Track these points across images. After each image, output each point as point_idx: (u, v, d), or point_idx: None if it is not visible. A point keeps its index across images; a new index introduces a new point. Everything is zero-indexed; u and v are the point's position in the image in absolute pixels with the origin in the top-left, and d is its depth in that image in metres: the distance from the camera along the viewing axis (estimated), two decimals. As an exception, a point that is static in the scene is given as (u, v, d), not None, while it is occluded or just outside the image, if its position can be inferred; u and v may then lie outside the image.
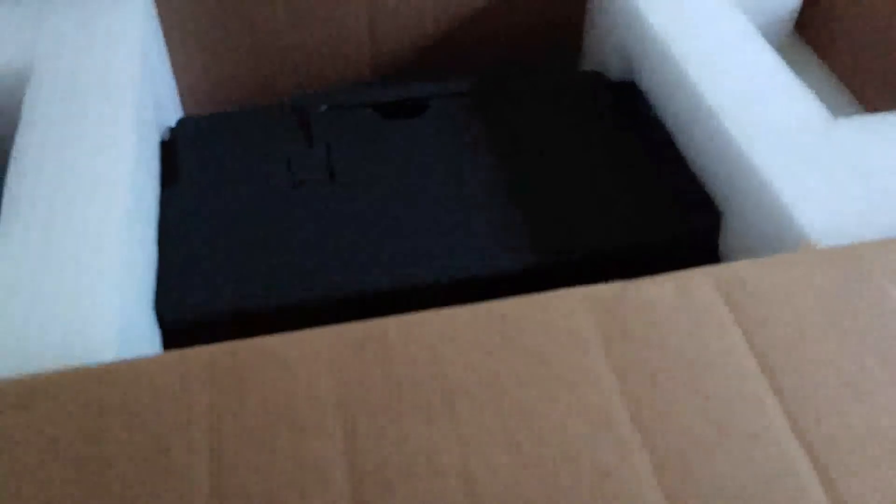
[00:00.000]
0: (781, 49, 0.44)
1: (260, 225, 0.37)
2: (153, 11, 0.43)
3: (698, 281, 0.27)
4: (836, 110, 0.42)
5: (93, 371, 0.24)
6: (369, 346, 0.25)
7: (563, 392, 0.24)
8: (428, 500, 0.22)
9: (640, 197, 0.37)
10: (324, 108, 0.42)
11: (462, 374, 0.24)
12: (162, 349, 0.33)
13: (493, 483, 0.22)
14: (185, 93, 0.47)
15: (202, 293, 0.34)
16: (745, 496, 0.22)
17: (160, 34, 0.44)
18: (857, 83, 0.45)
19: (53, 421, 0.23)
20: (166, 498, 0.21)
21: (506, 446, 0.23)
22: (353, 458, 0.22)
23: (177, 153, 0.40)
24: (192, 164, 0.40)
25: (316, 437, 0.23)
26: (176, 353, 0.25)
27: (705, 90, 0.36)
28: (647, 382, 0.24)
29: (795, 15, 0.44)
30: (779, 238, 0.31)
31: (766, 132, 0.34)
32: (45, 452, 0.22)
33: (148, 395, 0.23)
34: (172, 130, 0.42)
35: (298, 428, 0.23)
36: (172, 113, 0.45)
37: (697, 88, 0.36)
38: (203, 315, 0.33)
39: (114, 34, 0.39)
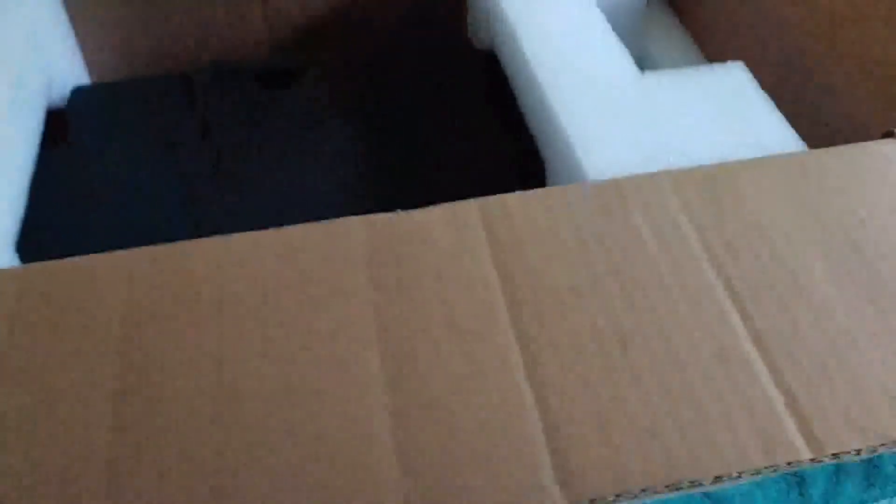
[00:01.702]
0: (643, 11, 0.47)
1: (131, 177, 0.40)
2: (54, -11, 0.47)
3: (467, 208, 0.30)
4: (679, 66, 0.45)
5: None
6: (167, 264, 0.29)
7: (322, 302, 0.27)
8: (183, 385, 0.25)
9: (482, 149, 0.41)
10: (206, 76, 0.46)
11: (235, 285, 0.28)
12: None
13: (241, 373, 0.25)
14: (92, 65, 0.51)
15: (61, 238, 0.37)
16: (463, 387, 0.25)
17: (61, 10, 0.48)
18: (706, 40, 0.48)
19: None
20: None
21: (258, 343, 0.26)
22: (125, 353, 0.26)
23: (66, 119, 0.44)
24: (79, 129, 0.43)
25: (94, 338, 0.26)
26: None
27: (529, 52, 0.39)
28: (396, 292, 0.27)
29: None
30: (570, 179, 0.34)
31: (573, 86, 0.37)
32: None
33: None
34: (69, 96, 0.46)
35: (85, 330, 0.27)
36: (74, 82, 0.48)
37: (530, 61, 0.39)
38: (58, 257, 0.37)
39: (5, 5, 0.43)
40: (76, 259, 0.29)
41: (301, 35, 0.52)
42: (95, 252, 0.37)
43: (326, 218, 0.38)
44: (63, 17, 0.48)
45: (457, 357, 0.26)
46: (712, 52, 0.48)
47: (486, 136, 0.42)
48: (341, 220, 0.30)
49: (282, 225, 0.37)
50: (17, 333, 0.27)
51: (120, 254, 0.29)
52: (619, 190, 0.31)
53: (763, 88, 0.37)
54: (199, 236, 0.37)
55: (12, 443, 0.24)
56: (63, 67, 0.47)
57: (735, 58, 0.45)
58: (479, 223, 0.30)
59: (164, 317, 0.27)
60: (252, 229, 0.37)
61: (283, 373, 0.25)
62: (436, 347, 0.26)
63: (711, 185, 0.31)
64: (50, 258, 0.37)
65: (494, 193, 0.38)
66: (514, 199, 0.31)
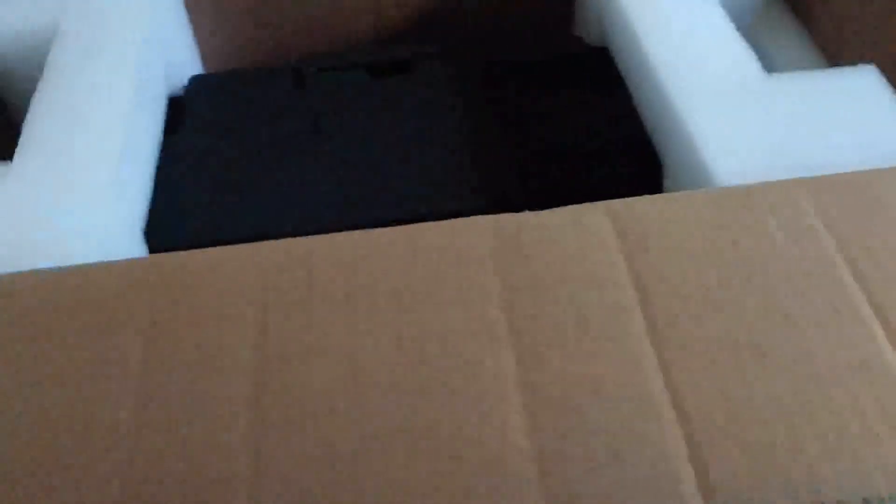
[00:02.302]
0: (760, 10, 0.46)
1: (248, 169, 0.41)
2: (173, -20, 0.48)
3: (593, 211, 0.30)
4: (799, 68, 0.44)
5: (39, 276, 0.29)
6: (297, 258, 0.29)
7: (453, 301, 0.27)
8: (319, 377, 0.26)
9: (597, 148, 0.40)
10: (315, 69, 0.46)
11: (367, 280, 0.28)
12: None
13: (375, 368, 0.26)
14: (207, 55, 0.52)
15: (187, 224, 0.38)
16: (599, 389, 0.25)
17: (179, 2, 0.49)
18: (827, 41, 0.46)
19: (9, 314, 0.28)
20: (98, 389, 0.26)
21: (390, 340, 0.26)
22: (264, 342, 0.27)
23: (184, 108, 0.45)
24: (196, 116, 0.44)
25: (232, 330, 0.27)
26: (126, 261, 0.29)
27: (650, 51, 0.38)
28: (527, 294, 0.27)
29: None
30: (695, 184, 0.34)
31: (697, 86, 0.36)
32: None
33: (90, 298, 0.28)
34: (186, 85, 0.47)
35: (221, 320, 0.27)
36: (190, 69, 0.50)
37: (649, 57, 0.39)
38: (186, 243, 0.38)
39: (126, 2, 0.44)
40: (208, 251, 0.30)
41: (408, 27, 0.52)
42: (217, 238, 0.38)
43: (443, 209, 0.38)
44: (181, 8, 0.49)
45: (591, 359, 0.26)
46: (833, 52, 0.46)
47: (600, 132, 0.41)
48: (468, 219, 0.30)
49: (399, 217, 0.38)
50: (157, 323, 0.27)
51: (250, 247, 0.30)
52: (752, 196, 0.30)
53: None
54: (313, 226, 0.38)
55: (160, 423, 0.25)
56: (181, 57, 0.48)
57: (856, 60, 0.44)
58: (607, 226, 0.30)
59: (296, 310, 0.27)
60: (366, 221, 0.38)
61: (417, 370, 0.26)
62: (569, 349, 0.26)
63: (848, 192, 0.30)
64: (175, 245, 0.38)
65: (611, 191, 0.38)
66: (643, 202, 0.30)
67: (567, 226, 0.30)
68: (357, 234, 0.30)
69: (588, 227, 0.30)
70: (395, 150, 0.41)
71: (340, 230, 0.38)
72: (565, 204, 0.38)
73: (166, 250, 0.38)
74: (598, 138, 0.41)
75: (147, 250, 0.37)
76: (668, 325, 0.26)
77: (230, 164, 0.41)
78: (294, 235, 0.38)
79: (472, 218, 0.30)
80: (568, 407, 0.25)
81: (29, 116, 0.38)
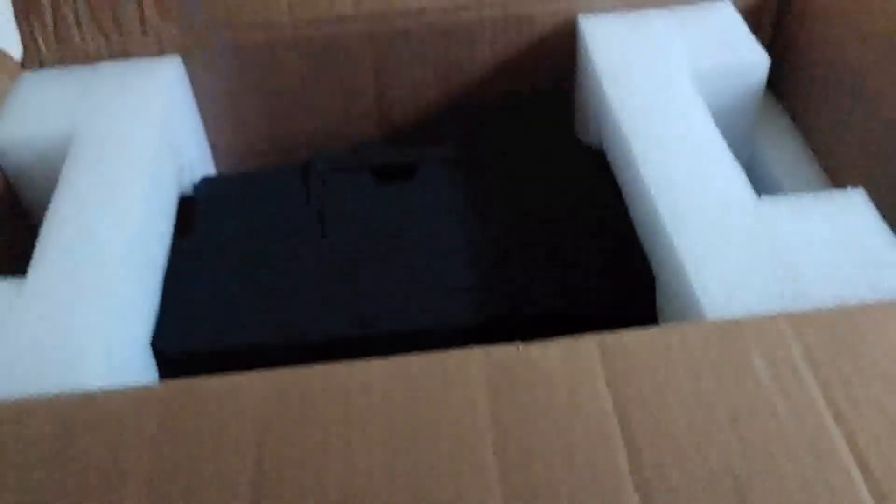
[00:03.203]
0: (758, 113, 0.47)
1: (256, 273, 0.42)
2: (186, 80, 0.50)
3: (585, 347, 0.31)
4: (794, 181, 0.45)
5: (62, 401, 0.30)
6: (293, 393, 0.30)
7: (445, 436, 0.28)
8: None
9: (590, 260, 0.41)
10: (321, 171, 0.48)
11: (363, 417, 0.29)
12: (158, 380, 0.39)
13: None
14: (220, 151, 0.53)
15: (194, 331, 0.40)
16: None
17: (192, 100, 0.51)
18: (821, 144, 0.47)
19: (22, 450, 0.29)
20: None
21: (385, 475, 0.27)
22: (260, 482, 0.28)
23: (194, 208, 0.46)
24: (205, 219, 0.46)
25: (226, 485, 0.28)
26: (135, 391, 0.31)
27: (646, 170, 0.40)
28: (519, 432, 0.28)
29: (763, 84, 0.47)
30: (684, 308, 0.35)
31: (688, 208, 0.37)
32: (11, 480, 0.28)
33: (99, 434, 0.29)
34: (196, 187, 0.48)
35: (219, 469, 0.28)
36: (202, 170, 0.51)
37: (639, 166, 0.40)
38: (193, 352, 0.39)
39: (142, 99, 0.46)
40: (210, 380, 0.31)
41: (415, 128, 0.54)
42: (224, 347, 0.39)
43: (445, 322, 0.39)
44: (194, 109, 0.51)
45: (577, 500, 0.26)
46: (826, 155, 0.47)
47: (594, 237, 0.42)
48: (461, 352, 0.31)
49: (402, 330, 0.39)
50: (161, 457, 0.28)
51: (249, 377, 0.31)
52: (739, 331, 0.31)
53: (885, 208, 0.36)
54: (318, 336, 0.39)
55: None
56: (193, 156, 0.50)
57: (852, 165, 0.45)
58: (597, 361, 0.30)
59: (292, 444, 0.28)
60: (370, 332, 0.39)
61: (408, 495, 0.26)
62: (557, 488, 0.27)
63: (833, 330, 0.31)
64: (182, 353, 0.39)
65: (607, 304, 0.39)
66: (633, 337, 0.31)
67: (557, 359, 0.31)
68: (354, 366, 0.31)
69: (578, 360, 0.30)
70: (398, 259, 0.42)
71: (345, 339, 0.40)
72: (556, 316, 0.40)
73: (174, 359, 0.39)
74: (596, 250, 0.42)
75: (154, 359, 0.39)
76: (653, 467, 0.27)
77: (238, 270, 0.42)
78: (300, 344, 0.39)
79: (465, 351, 0.31)
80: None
81: (44, 229, 0.39)
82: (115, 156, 0.42)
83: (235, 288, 0.42)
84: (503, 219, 0.44)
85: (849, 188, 0.38)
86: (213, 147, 0.53)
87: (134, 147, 0.43)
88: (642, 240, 0.41)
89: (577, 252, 0.42)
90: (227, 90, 0.51)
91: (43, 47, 0.49)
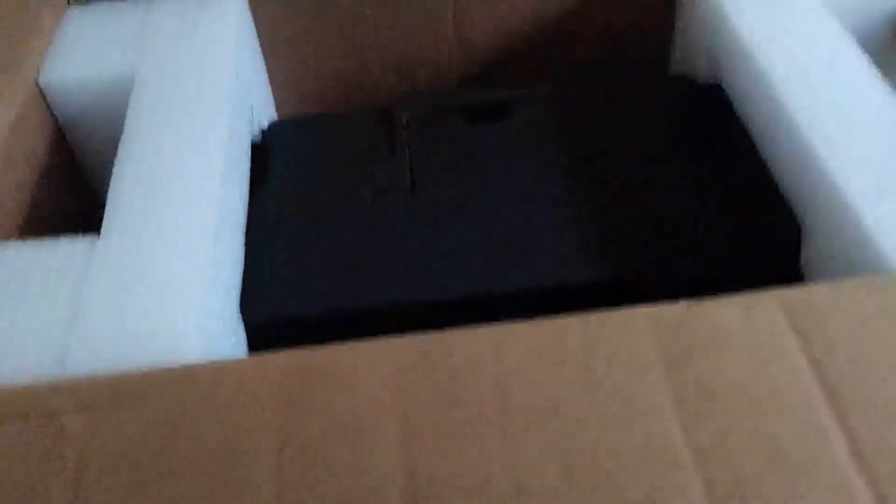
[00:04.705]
0: (880, 55, 0.42)
1: (342, 231, 0.38)
2: (248, 16, 0.45)
3: (766, 304, 0.27)
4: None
5: (172, 375, 0.26)
6: (431, 360, 0.26)
7: (620, 415, 0.24)
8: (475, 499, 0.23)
9: (721, 209, 0.37)
10: (407, 114, 0.43)
11: (519, 391, 0.25)
12: (247, 348, 0.34)
13: (540, 499, 0.23)
14: (279, 93, 0.49)
15: (284, 297, 0.35)
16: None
17: (255, 37, 0.46)
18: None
19: (132, 426, 0.25)
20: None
21: (558, 465, 0.23)
22: (411, 472, 0.23)
23: (266, 157, 0.42)
24: (280, 169, 0.41)
25: (374, 451, 0.24)
26: (248, 361, 0.26)
27: (789, 100, 0.35)
28: (705, 409, 0.24)
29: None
30: (859, 262, 0.30)
31: (853, 149, 0.33)
32: (124, 457, 0.24)
33: (219, 405, 0.25)
34: (263, 133, 0.44)
35: (359, 441, 0.24)
36: (265, 114, 0.47)
37: (781, 98, 0.35)
38: (283, 319, 0.35)
39: (210, 38, 0.41)
40: (335, 348, 0.27)
41: (494, 66, 0.49)
42: (315, 312, 0.35)
43: (555, 281, 0.35)
44: (257, 47, 0.46)
45: (790, 497, 0.22)
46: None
47: (719, 181, 0.38)
48: (622, 313, 0.27)
49: (510, 290, 0.35)
50: (288, 437, 0.24)
51: (381, 344, 0.27)
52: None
53: None
54: (415, 298, 0.35)
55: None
56: (258, 100, 0.45)
57: None
58: (782, 320, 0.26)
59: (441, 425, 0.24)
60: (475, 292, 0.35)
61: (588, 498, 0.23)
62: (763, 480, 0.23)
63: None
64: (271, 320, 0.35)
65: (738, 251, 0.35)
66: (820, 293, 0.27)
67: (735, 321, 0.26)
68: (495, 329, 0.27)
69: (759, 320, 0.26)
70: (500, 210, 0.38)
71: (446, 303, 0.35)
72: (690, 276, 0.35)
73: (263, 326, 0.35)
74: (726, 197, 0.37)
75: (243, 325, 0.35)
76: (876, 448, 0.23)
77: (321, 226, 0.38)
78: (394, 308, 0.35)
79: (626, 311, 0.27)
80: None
81: (114, 181, 0.35)
82: (188, 100, 0.38)
83: (320, 247, 0.37)
84: (613, 164, 0.40)
85: None
86: (275, 89, 0.48)
87: (208, 89, 0.38)
88: (784, 185, 0.36)
89: (703, 201, 0.37)
90: (292, 25, 0.46)
91: (89, -20, 0.44)
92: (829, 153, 0.33)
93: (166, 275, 0.31)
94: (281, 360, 0.26)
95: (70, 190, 0.43)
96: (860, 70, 0.36)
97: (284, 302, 0.35)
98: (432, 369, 0.26)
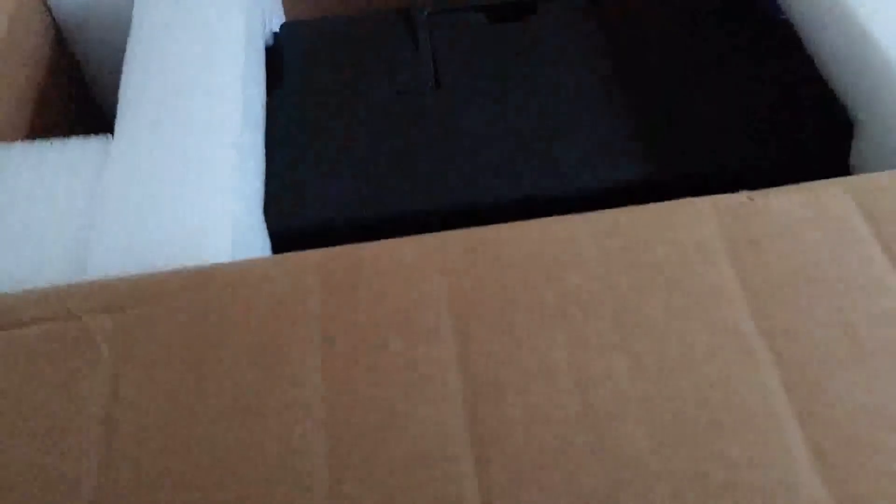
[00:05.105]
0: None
1: (365, 134, 0.36)
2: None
3: (832, 192, 0.25)
4: None
5: (207, 273, 0.24)
6: (482, 251, 0.25)
7: (686, 302, 0.23)
8: (541, 403, 0.21)
9: (764, 105, 0.35)
10: (427, 11, 0.41)
11: (577, 280, 0.24)
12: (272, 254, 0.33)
13: (606, 389, 0.21)
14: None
15: (308, 203, 0.34)
16: (883, 416, 0.21)
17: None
18: None
19: (169, 323, 0.23)
20: (277, 405, 0.21)
21: (622, 353, 0.22)
22: (466, 362, 0.22)
23: (281, 59, 0.40)
24: (296, 70, 0.39)
25: (428, 342, 0.23)
26: (288, 256, 0.25)
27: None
28: (776, 296, 0.23)
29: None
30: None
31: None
32: (163, 352, 0.23)
33: (260, 298, 0.24)
34: (276, 35, 0.41)
35: (411, 332, 0.23)
36: (275, 16, 0.44)
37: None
38: (308, 225, 0.33)
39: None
40: (378, 245, 0.25)
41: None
42: (344, 219, 0.33)
43: (597, 181, 0.33)
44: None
45: (873, 384, 0.21)
46: None
47: (760, 75, 0.36)
48: (679, 202, 0.25)
49: (546, 192, 0.33)
50: (334, 336, 0.23)
51: (429, 237, 0.25)
52: None
53: None
54: (447, 203, 0.33)
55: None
56: (269, 3, 0.43)
57: None
58: (852, 209, 0.25)
59: (499, 321, 0.23)
60: (509, 196, 0.33)
61: (670, 402, 0.21)
62: (845, 373, 0.21)
63: None
64: (297, 227, 0.33)
65: (786, 148, 0.33)
66: (889, 179, 0.26)
67: (803, 209, 0.25)
68: (544, 222, 0.25)
69: (829, 210, 0.25)
70: (529, 110, 0.36)
71: (479, 209, 0.34)
72: (736, 173, 0.34)
73: (288, 233, 0.33)
74: (772, 94, 0.35)
75: (269, 234, 0.33)
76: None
77: (344, 130, 0.36)
78: (427, 213, 0.34)
79: (685, 200, 0.26)
80: (861, 443, 0.20)
81: (125, 78, 0.33)
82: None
83: (343, 153, 0.35)
84: (646, 61, 0.38)
85: None
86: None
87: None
88: (840, 80, 0.34)
89: (748, 98, 0.35)
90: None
91: None
92: (886, 47, 0.31)
93: (188, 176, 0.29)
94: (320, 255, 0.25)
95: (75, 92, 0.41)
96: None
97: (308, 209, 0.34)
98: (484, 261, 0.24)
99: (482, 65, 0.38)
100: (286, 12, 0.47)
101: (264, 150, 0.35)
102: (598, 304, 0.23)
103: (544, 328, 0.23)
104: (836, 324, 0.22)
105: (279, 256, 0.25)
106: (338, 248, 0.25)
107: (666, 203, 0.26)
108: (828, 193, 0.25)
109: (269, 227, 0.33)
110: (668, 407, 0.21)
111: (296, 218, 0.33)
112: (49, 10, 0.39)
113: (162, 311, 0.23)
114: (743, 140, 0.34)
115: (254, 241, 0.31)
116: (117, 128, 0.31)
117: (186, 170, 0.29)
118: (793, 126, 0.34)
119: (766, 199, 0.25)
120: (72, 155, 0.30)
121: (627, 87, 0.36)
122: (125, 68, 0.33)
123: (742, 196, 0.25)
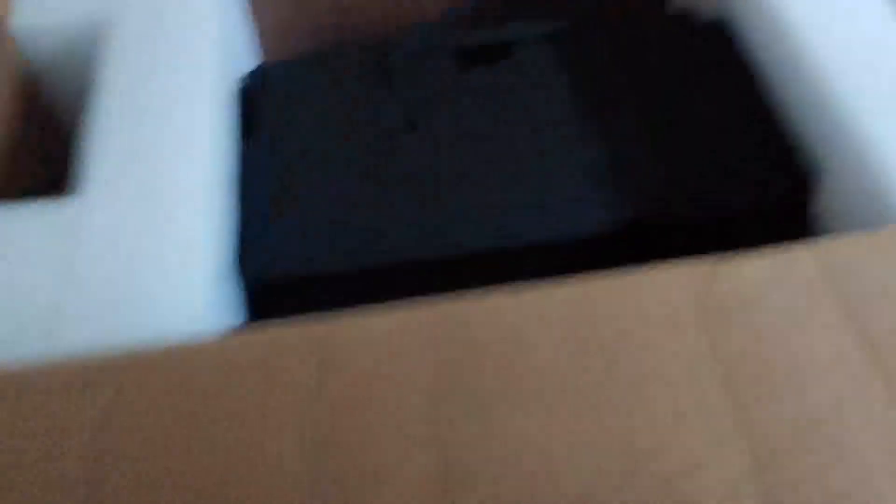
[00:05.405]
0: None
1: (342, 180, 0.36)
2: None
3: (799, 260, 0.26)
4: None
5: (178, 352, 0.24)
6: (455, 332, 0.25)
7: (659, 381, 0.23)
8: (512, 489, 0.22)
9: (725, 155, 0.35)
10: (401, 55, 0.41)
11: (551, 359, 0.24)
12: (247, 310, 0.33)
13: (576, 475, 0.22)
14: (263, 35, 0.46)
15: (287, 253, 0.34)
16: (851, 499, 0.21)
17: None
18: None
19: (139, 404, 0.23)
20: (262, 495, 0.22)
21: (593, 436, 0.22)
22: (439, 446, 0.22)
23: (254, 103, 0.39)
24: (269, 115, 0.39)
25: (402, 424, 0.23)
26: (263, 334, 0.25)
27: (806, 36, 0.33)
28: (749, 375, 0.23)
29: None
30: (882, 211, 0.29)
31: (875, 91, 0.31)
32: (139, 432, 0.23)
33: (242, 376, 0.24)
34: (249, 77, 0.41)
35: (387, 413, 0.23)
36: (248, 58, 0.44)
37: (796, 34, 0.34)
38: (285, 275, 0.33)
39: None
40: (364, 320, 0.25)
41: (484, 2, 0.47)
42: (319, 269, 0.33)
43: (570, 233, 0.34)
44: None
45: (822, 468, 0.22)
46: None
47: (723, 124, 0.36)
48: (653, 271, 0.26)
49: (524, 243, 0.33)
50: (318, 421, 0.23)
51: (397, 313, 0.25)
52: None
53: None
54: (425, 253, 0.33)
55: None
56: (240, 42, 0.43)
57: None
58: (817, 278, 0.25)
59: (470, 405, 0.23)
60: (485, 248, 0.33)
61: (634, 477, 0.22)
62: (815, 458, 0.22)
63: None
64: (273, 279, 0.33)
65: (743, 200, 0.34)
66: (858, 244, 0.26)
67: (767, 276, 0.25)
68: (518, 297, 0.26)
69: (793, 279, 0.25)
70: (505, 159, 0.36)
71: (458, 260, 0.34)
72: (695, 224, 0.34)
73: (263, 286, 0.33)
74: (735, 141, 0.36)
75: (245, 288, 0.33)
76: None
77: (320, 176, 0.36)
78: (411, 264, 0.34)
79: (653, 270, 0.26)
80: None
81: (87, 132, 0.32)
82: (166, 42, 0.35)
83: (321, 199, 0.35)
84: (613, 107, 0.38)
85: None
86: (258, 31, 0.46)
87: (187, 31, 0.35)
88: (795, 128, 0.35)
89: (713, 146, 0.36)
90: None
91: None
92: (848, 96, 0.31)
93: (156, 236, 0.29)
94: (287, 332, 0.25)
95: (43, 138, 0.41)
96: (884, 7, 0.35)
97: (287, 259, 0.34)
98: (457, 341, 0.24)
99: (458, 109, 0.38)
100: (264, 50, 0.47)
101: (237, 201, 0.35)
102: (572, 387, 0.23)
103: (515, 412, 0.23)
104: (805, 405, 0.23)
105: (254, 334, 0.25)
106: (310, 327, 0.25)
107: (634, 274, 0.26)
108: (794, 262, 0.26)
109: (245, 278, 0.33)
110: (633, 489, 0.21)
111: (272, 268, 0.33)
112: (21, 55, 0.38)
113: (133, 396, 0.23)
114: (707, 189, 0.34)
115: (227, 299, 0.31)
116: (80, 188, 0.31)
117: (152, 234, 0.29)
118: (755, 175, 0.34)
119: (734, 267, 0.26)
120: (34, 218, 0.30)
121: (595, 136, 0.37)
122: (87, 120, 0.33)
123: (707, 265, 0.26)
